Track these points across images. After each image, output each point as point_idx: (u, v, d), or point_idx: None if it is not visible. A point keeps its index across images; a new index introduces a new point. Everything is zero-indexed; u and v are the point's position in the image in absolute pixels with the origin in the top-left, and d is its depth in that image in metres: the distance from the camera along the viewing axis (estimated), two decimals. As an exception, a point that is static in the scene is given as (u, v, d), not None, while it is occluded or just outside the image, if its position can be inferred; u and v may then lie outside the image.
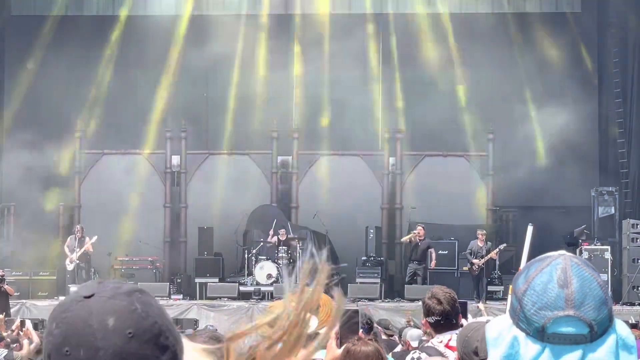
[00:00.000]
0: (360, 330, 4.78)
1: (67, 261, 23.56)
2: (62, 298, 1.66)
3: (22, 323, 15.23)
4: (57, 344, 1.71)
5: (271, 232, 24.44)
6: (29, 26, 27.03)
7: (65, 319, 1.71)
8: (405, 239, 23.82)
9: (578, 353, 1.99)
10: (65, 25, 26.99)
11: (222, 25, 26.64)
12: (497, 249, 22.64)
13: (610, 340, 2.00)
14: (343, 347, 4.53)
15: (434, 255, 23.29)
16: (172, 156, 27.19)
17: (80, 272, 23.49)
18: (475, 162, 26.54)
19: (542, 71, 26.65)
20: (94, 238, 23.62)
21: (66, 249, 23.71)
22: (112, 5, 27.17)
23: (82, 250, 23.44)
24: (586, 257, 22.16)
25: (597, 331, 1.99)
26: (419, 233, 23.14)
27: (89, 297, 1.72)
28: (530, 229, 10.66)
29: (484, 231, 23.11)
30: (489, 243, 22.85)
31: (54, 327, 1.72)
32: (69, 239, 24.01)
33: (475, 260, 22.44)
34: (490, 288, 22.81)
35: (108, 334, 1.69)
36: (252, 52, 27.18)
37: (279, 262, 23.67)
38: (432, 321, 5.34)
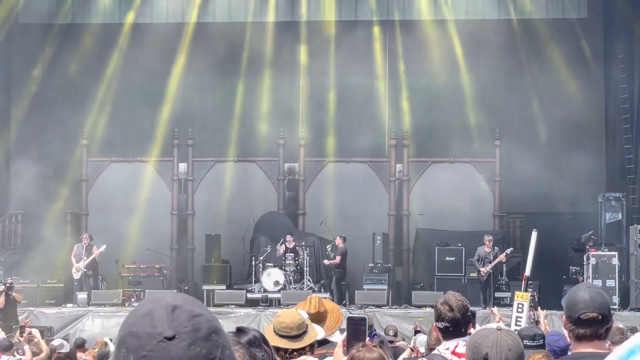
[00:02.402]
0: (367, 338, 4.78)
1: (74, 269, 23.47)
2: (134, 320, 1.48)
3: (22, 329, 15.20)
4: None
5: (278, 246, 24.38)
6: (36, 34, 27.10)
7: (144, 358, 1.68)
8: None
9: None
10: (72, 33, 27.05)
11: (228, 32, 26.70)
12: (505, 253, 22.63)
13: None
14: (348, 355, 4.53)
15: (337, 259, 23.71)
16: (179, 163, 27.20)
17: (87, 280, 23.48)
18: (482, 169, 26.50)
19: (549, 77, 26.64)
20: (103, 247, 23.46)
21: (72, 258, 23.61)
22: (119, 12, 27.20)
23: (90, 258, 23.40)
24: (593, 263, 22.11)
25: None
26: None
27: (170, 338, 1.69)
28: (534, 235, 10.63)
29: (491, 237, 23.09)
30: (496, 248, 22.81)
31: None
32: (75, 247, 23.87)
33: (482, 269, 22.44)
34: (497, 294, 22.76)
35: None
36: (258, 59, 27.21)
37: (286, 269, 23.68)
38: (441, 327, 5.33)
